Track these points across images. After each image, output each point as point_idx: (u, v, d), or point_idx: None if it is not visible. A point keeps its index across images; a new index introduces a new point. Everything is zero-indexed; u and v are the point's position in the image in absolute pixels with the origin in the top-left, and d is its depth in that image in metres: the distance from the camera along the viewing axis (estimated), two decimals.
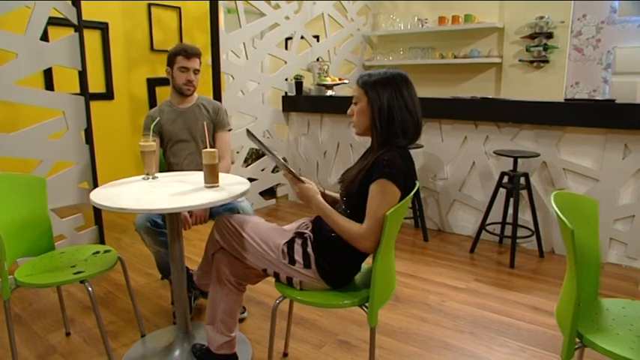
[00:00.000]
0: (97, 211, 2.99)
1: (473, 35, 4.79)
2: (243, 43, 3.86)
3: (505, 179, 3.04)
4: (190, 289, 2.16)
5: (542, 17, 4.25)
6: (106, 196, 1.60)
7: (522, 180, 2.98)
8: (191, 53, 2.32)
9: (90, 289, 1.68)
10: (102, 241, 3.03)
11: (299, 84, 4.32)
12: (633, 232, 2.85)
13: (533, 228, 3.06)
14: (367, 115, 1.54)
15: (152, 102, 4.94)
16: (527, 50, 4.38)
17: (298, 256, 1.56)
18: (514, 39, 4.52)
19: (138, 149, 5.02)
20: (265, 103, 4.49)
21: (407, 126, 1.51)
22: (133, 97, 4.79)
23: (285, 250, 1.57)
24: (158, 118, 2.14)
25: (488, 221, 3.16)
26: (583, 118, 2.89)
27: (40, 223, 1.91)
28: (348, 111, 1.61)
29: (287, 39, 4.25)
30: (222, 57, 3.63)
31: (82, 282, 1.68)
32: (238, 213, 2.18)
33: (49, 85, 3.98)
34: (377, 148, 1.55)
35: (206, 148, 2.50)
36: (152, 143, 1.87)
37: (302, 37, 4.38)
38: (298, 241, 1.59)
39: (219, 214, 2.25)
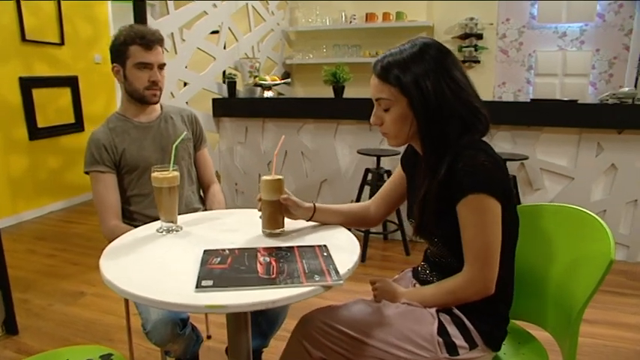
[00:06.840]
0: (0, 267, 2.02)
1: (402, 34, 4.67)
2: (172, 34, 3.11)
3: None
4: None
5: (472, 18, 4.32)
6: (137, 277, 0.93)
7: None
8: (152, 39, 1.53)
9: None
10: (11, 311, 2.05)
11: (232, 84, 3.68)
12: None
13: None
14: (410, 119, 1.06)
15: (29, 108, 3.77)
16: (459, 50, 4.42)
17: (458, 339, 1.06)
18: (445, 39, 4.52)
19: (10, 171, 3.77)
20: (196, 108, 3.74)
21: (467, 116, 1.05)
22: (2, 103, 3.59)
23: (442, 340, 1.05)
24: (185, 132, 1.38)
25: None
26: (559, 117, 2.91)
27: None
28: (373, 119, 1.12)
29: (211, 32, 3.59)
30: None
31: None
32: None
33: None
34: (435, 158, 1.06)
35: (192, 170, 1.79)
36: (175, 174, 1.19)
37: (230, 30, 3.77)
38: (447, 318, 1.08)
39: None
